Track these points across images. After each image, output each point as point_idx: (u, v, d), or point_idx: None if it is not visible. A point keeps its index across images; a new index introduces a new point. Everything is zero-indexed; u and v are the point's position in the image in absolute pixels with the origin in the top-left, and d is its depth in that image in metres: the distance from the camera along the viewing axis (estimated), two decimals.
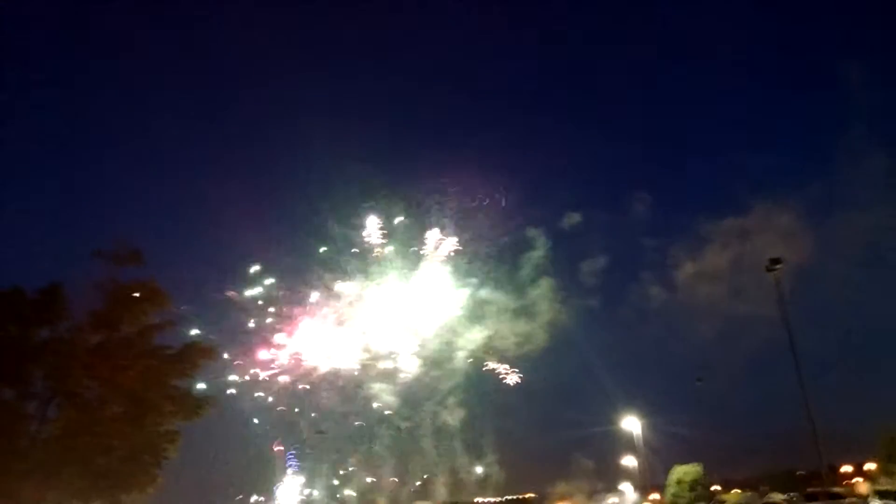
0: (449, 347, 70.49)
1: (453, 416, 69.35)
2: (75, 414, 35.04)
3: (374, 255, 67.80)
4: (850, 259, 77.10)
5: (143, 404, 36.02)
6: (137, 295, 36.28)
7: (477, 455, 70.47)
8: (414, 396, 71.01)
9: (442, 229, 68.84)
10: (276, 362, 69.85)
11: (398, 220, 65.71)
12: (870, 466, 72.32)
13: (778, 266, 35.98)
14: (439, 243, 68.31)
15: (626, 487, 76.88)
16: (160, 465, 37.33)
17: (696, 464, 67.87)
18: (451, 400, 69.71)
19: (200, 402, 38.53)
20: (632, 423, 58.58)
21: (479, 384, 70.54)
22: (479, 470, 71.07)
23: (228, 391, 63.65)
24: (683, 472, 67.62)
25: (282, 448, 76.61)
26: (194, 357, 38.33)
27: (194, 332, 48.25)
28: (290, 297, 71.98)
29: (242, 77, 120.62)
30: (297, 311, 71.58)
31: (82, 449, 34.56)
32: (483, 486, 71.29)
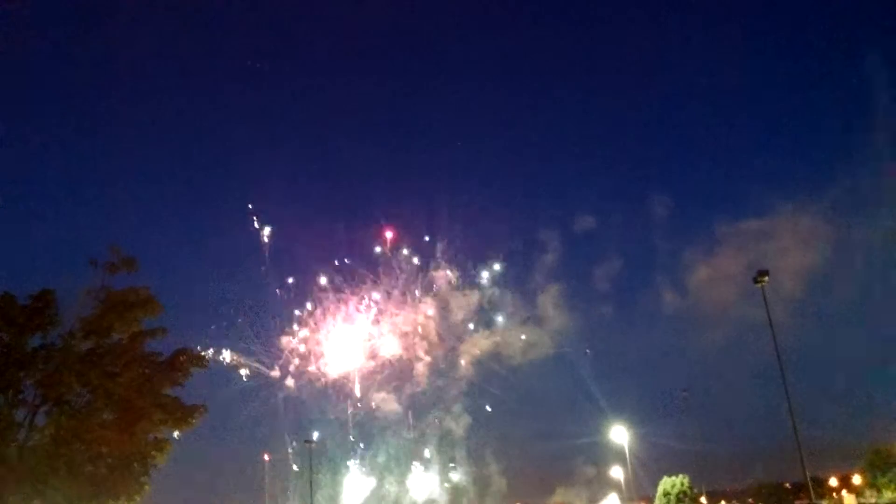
0: (454, 354, 70.65)
1: (458, 424, 69.31)
2: (65, 421, 34.75)
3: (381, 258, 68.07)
4: (866, 264, 76.73)
5: (133, 412, 35.76)
6: (130, 302, 36.15)
7: (478, 463, 70.45)
8: (420, 405, 71.06)
9: (452, 232, 69.41)
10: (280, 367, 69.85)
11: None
12: (856, 480, 72.80)
13: (765, 279, 36.22)
14: (449, 246, 68.82)
15: (613, 499, 76.98)
16: (149, 472, 37.15)
17: (683, 475, 68.18)
18: (456, 407, 69.78)
19: (191, 410, 38.30)
20: (620, 434, 58.68)
21: (482, 392, 70.76)
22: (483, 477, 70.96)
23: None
24: (670, 483, 67.85)
25: (269, 458, 76.57)
26: (185, 364, 38.14)
27: None
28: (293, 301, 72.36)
29: (239, 84, 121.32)
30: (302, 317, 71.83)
31: (71, 456, 34.38)
32: (483, 494, 71.20)
